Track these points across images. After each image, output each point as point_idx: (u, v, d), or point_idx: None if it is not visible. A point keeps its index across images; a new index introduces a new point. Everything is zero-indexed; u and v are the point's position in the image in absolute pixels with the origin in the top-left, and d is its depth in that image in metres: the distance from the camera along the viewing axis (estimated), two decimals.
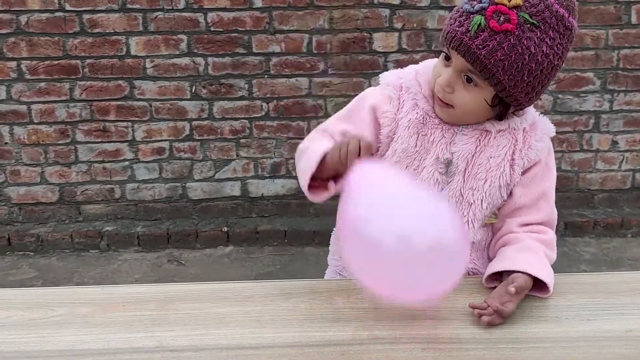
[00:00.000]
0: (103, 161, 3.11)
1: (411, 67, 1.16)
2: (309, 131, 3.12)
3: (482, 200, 1.10)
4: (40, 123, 3.03)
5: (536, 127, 1.12)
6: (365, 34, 3.01)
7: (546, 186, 1.13)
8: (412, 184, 0.90)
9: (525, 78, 0.99)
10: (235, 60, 3.01)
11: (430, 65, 1.12)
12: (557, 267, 1.09)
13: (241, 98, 3.06)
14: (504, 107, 1.06)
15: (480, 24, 0.96)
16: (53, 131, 3.05)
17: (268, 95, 3.07)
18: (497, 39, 0.95)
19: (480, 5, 0.97)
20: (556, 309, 0.98)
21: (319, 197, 1.02)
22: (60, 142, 3.07)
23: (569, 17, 0.98)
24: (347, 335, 0.91)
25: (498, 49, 0.96)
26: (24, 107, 3.00)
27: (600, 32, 3.07)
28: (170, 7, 2.93)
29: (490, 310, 0.93)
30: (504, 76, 0.98)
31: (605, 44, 3.09)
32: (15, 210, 3.14)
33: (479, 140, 1.09)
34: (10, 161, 3.08)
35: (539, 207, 1.12)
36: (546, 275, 1.01)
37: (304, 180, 1.02)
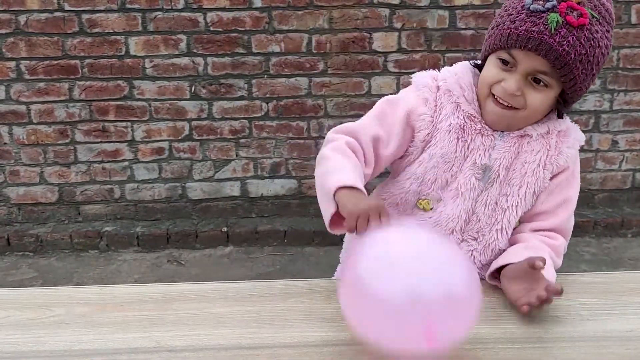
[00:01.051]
0: (102, 161, 3.11)
1: (448, 70, 1.13)
2: (308, 131, 3.08)
3: (516, 206, 1.10)
4: (39, 123, 3.03)
5: (569, 133, 1.11)
6: (364, 33, 3.01)
7: (569, 194, 1.13)
8: (426, 237, 0.86)
9: (593, 70, 1.01)
10: (234, 60, 3.01)
11: (465, 70, 1.11)
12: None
13: (241, 98, 3.06)
14: (563, 104, 1.07)
15: (557, 21, 0.96)
16: (52, 131, 3.04)
17: (268, 95, 3.06)
18: (575, 34, 0.96)
19: (552, 3, 0.97)
20: (556, 308, 0.98)
21: (338, 230, 1.00)
22: (59, 142, 3.06)
23: (611, 7, 1.02)
24: (346, 335, 0.90)
25: (577, 44, 0.97)
26: (23, 107, 3.00)
27: None
28: (170, 7, 2.92)
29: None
30: (579, 70, 0.99)
31: None
32: (15, 211, 3.14)
33: (517, 146, 1.08)
34: (10, 161, 3.07)
35: (557, 213, 1.12)
36: (548, 273, 1.00)
37: (325, 218, 1.01)
